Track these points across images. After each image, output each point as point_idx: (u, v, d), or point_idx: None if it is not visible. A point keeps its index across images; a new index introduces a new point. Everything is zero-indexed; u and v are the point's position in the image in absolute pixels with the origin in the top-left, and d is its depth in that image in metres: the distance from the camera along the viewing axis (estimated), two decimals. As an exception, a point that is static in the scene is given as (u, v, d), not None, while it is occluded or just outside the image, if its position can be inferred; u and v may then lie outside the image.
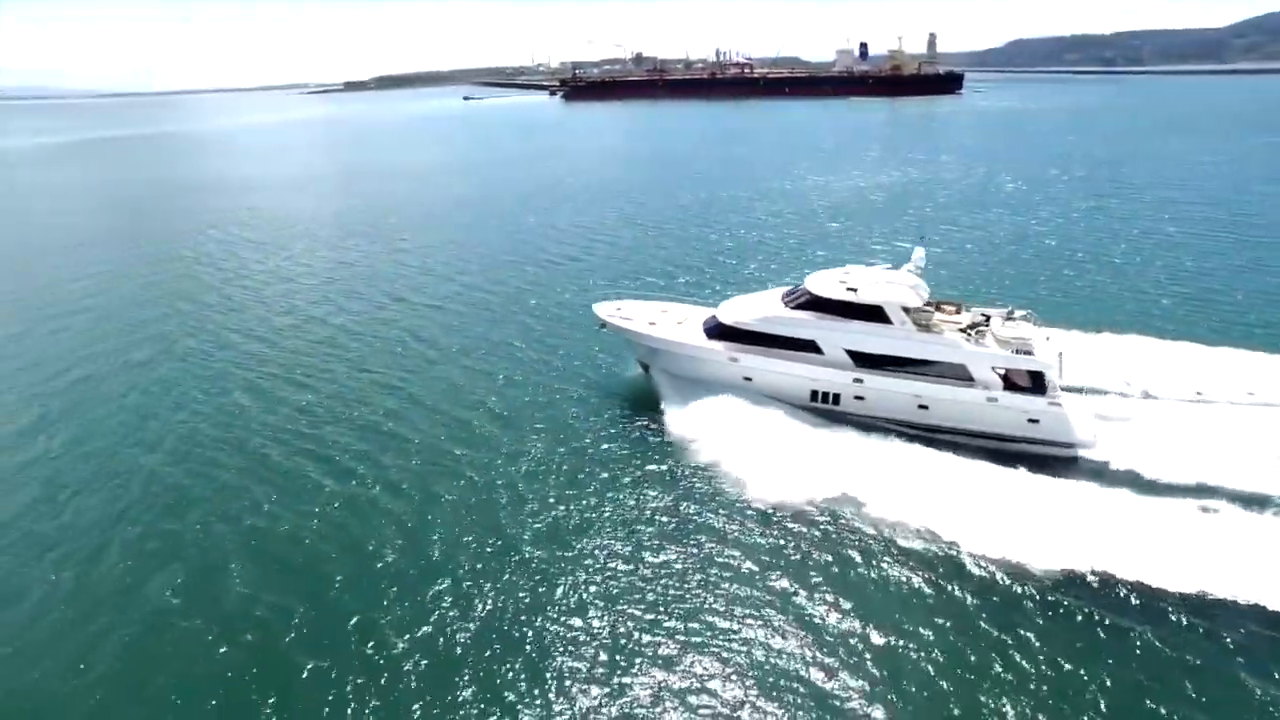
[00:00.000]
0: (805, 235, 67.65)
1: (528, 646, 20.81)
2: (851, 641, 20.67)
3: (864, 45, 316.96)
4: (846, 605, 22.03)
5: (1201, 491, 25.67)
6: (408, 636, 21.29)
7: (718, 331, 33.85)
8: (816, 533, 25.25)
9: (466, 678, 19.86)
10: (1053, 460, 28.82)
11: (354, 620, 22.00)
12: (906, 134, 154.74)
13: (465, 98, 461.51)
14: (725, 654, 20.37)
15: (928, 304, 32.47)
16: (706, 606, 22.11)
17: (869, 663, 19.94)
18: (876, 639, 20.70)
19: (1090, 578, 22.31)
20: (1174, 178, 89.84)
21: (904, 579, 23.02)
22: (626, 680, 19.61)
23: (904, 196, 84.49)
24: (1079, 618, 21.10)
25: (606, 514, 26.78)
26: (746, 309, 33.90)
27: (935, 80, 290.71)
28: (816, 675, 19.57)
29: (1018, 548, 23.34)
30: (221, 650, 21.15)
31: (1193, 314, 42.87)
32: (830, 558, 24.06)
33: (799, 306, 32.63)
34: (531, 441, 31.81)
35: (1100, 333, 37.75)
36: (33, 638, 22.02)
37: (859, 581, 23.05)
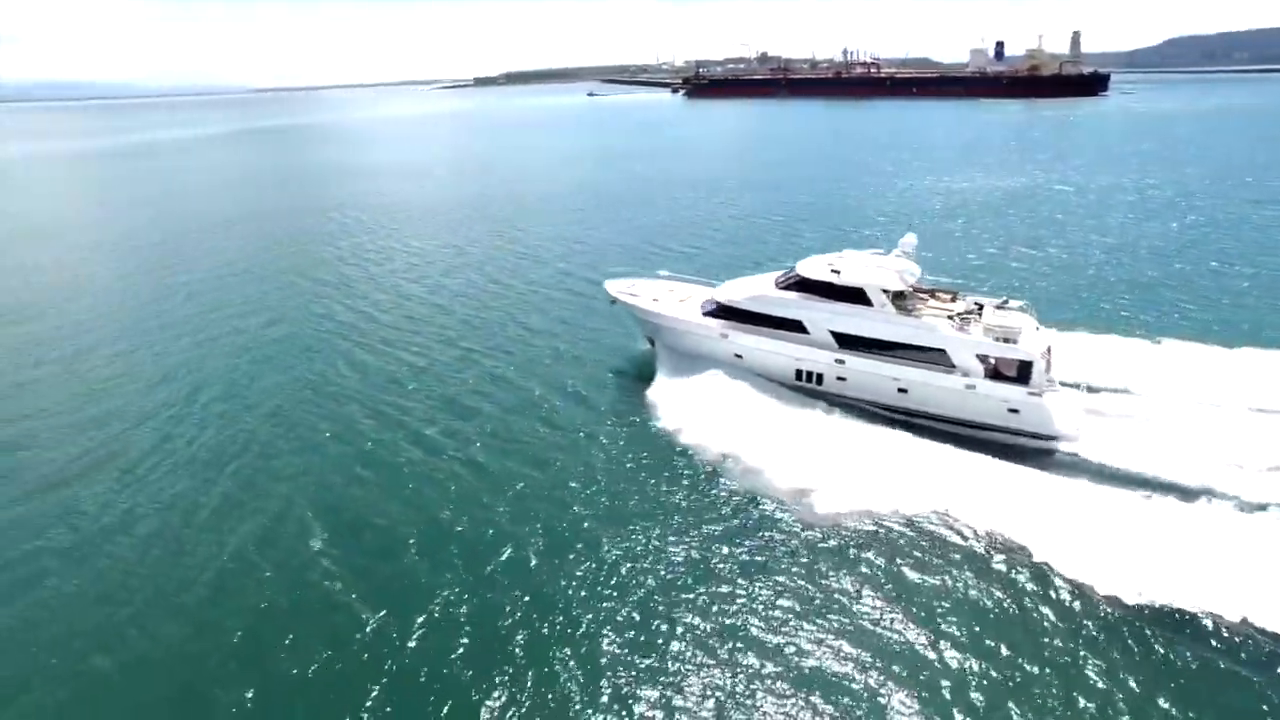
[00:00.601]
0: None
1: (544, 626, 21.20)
2: (801, 621, 20.74)
3: (1000, 45, 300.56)
4: (792, 585, 22.05)
5: (1176, 490, 25.06)
6: (468, 600, 22.06)
7: (713, 309, 35.16)
8: (780, 514, 25.63)
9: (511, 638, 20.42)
10: (1031, 452, 28.43)
11: (420, 582, 22.84)
12: (1033, 137, 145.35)
13: (589, 94, 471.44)
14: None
15: (922, 291, 33.49)
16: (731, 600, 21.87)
17: (816, 641, 19.59)
18: (828, 618, 20.40)
19: (1042, 569, 22.10)
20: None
21: (869, 561, 23.03)
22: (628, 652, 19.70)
23: (1014, 201, 79.62)
24: (1038, 608, 19.88)
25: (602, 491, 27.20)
26: (740, 288, 35.13)
27: (1077, 81, 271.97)
28: (757, 648, 19.22)
29: (984, 531, 23.59)
30: (293, 595, 22.57)
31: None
32: (793, 538, 24.40)
33: (787, 287, 33.65)
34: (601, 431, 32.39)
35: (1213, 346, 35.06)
36: (136, 570, 24.21)
37: (815, 562, 23.24)
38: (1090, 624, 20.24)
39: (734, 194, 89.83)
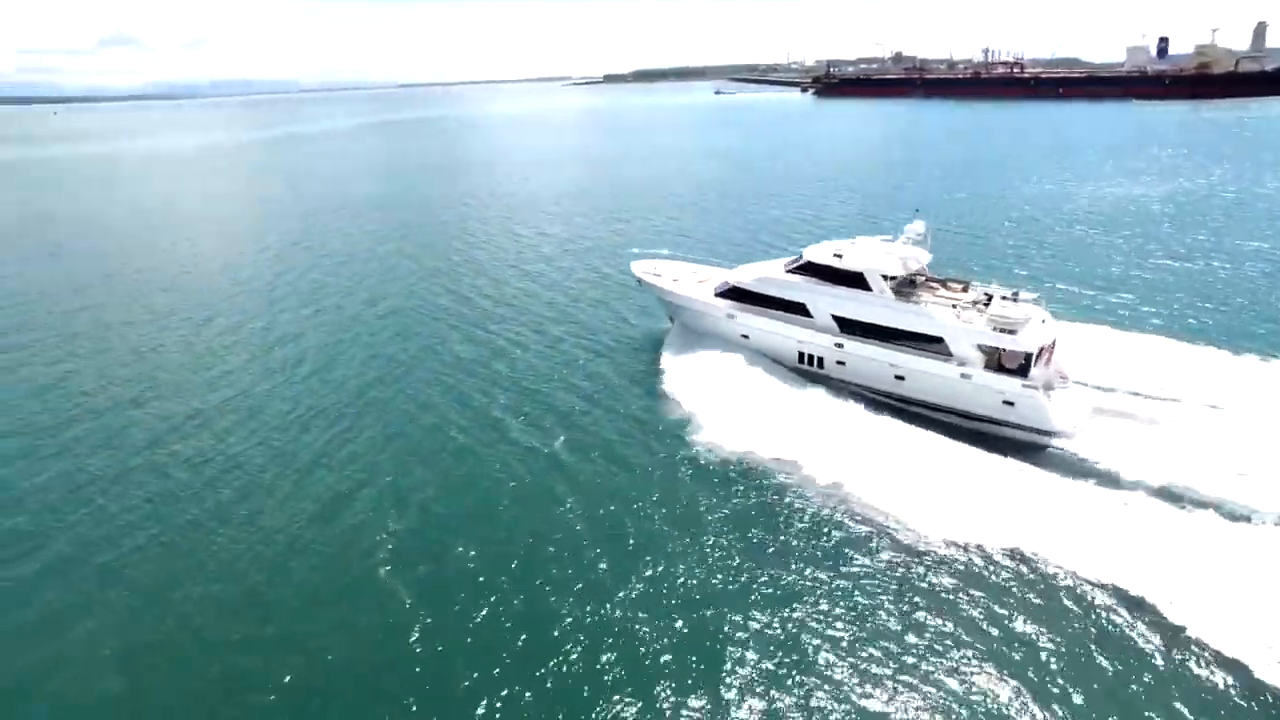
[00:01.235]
0: (1025, 243, 62.33)
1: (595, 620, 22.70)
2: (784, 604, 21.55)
3: (1164, 40, 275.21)
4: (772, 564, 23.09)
5: (1166, 494, 24.60)
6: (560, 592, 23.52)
7: (724, 291, 36.23)
8: (766, 495, 26.33)
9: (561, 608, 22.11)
10: (1026, 446, 28.07)
11: (512, 566, 23.79)
12: (1189, 141, 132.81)
13: (716, 91, 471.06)
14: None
15: (933, 280, 33.40)
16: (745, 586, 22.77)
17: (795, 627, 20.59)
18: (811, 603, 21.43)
19: (1043, 569, 22.20)
20: None
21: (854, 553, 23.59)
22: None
23: (1145, 211, 74.48)
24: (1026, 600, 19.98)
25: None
26: (751, 271, 36.04)
27: (1255, 79, 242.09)
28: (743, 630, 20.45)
29: (964, 526, 23.53)
30: (345, 576, 23.78)
31: None
32: (778, 519, 25.21)
33: (794, 270, 34.21)
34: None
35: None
36: (255, 527, 26.35)
37: (803, 546, 23.87)
38: (1090, 624, 20.48)
39: (848, 192, 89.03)
